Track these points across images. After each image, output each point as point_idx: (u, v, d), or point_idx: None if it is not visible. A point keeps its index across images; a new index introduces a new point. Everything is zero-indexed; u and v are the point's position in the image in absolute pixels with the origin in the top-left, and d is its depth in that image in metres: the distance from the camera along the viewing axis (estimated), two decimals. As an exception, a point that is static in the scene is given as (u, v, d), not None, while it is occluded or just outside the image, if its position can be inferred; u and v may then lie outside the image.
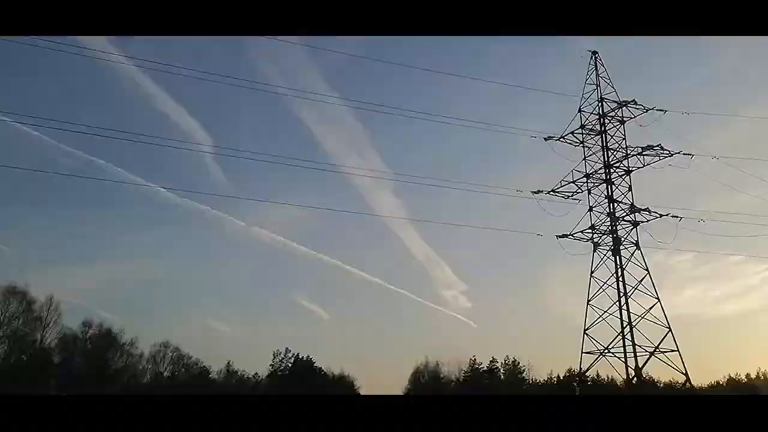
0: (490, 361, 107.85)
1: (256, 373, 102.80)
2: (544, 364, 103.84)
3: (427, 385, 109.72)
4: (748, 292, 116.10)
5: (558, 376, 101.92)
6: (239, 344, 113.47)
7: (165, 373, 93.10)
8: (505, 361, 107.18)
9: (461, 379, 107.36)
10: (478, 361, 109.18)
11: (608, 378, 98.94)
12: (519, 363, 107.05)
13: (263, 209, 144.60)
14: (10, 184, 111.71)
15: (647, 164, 44.48)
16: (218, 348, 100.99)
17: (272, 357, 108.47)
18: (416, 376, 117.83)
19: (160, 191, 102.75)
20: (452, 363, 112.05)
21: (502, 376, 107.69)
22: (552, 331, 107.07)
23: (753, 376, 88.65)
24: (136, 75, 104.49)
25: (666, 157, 43.53)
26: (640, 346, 42.23)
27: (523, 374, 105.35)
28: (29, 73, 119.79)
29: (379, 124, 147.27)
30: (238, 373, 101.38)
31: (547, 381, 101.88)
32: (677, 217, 44.03)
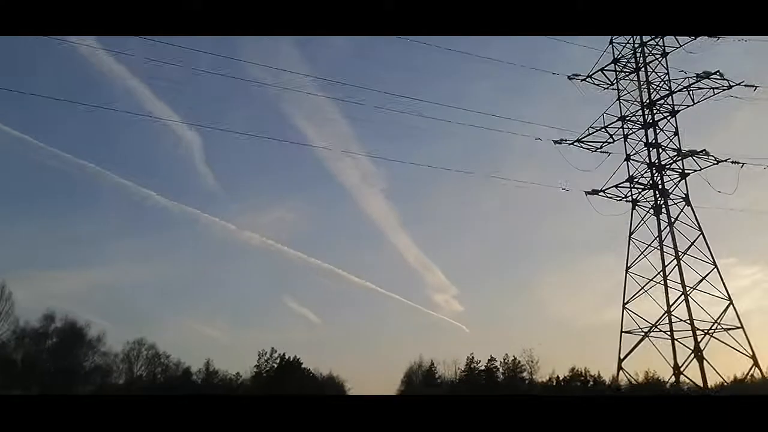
0: (489, 360, 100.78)
1: (238, 373, 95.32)
2: (542, 367, 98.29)
3: (421, 386, 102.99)
4: (739, 294, 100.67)
5: (558, 377, 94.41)
6: (229, 349, 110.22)
7: (140, 373, 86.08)
8: (504, 360, 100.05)
9: (457, 380, 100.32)
10: (476, 359, 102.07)
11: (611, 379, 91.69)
12: (519, 362, 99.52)
13: (254, 212, 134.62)
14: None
15: (698, 101, 35.58)
16: (208, 353, 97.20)
17: (257, 357, 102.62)
18: (409, 378, 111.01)
19: (150, 194, 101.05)
20: (448, 363, 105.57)
21: (501, 376, 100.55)
22: (548, 335, 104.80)
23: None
24: (127, 78, 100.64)
25: (724, 89, 34.50)
26: (696, 324, 33.06)
27: (523, 374, 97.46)
28: (18, 75, 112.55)
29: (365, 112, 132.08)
30: (219, 374, 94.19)
31: (548, 381, 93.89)
32: (739, 162, 35.33)
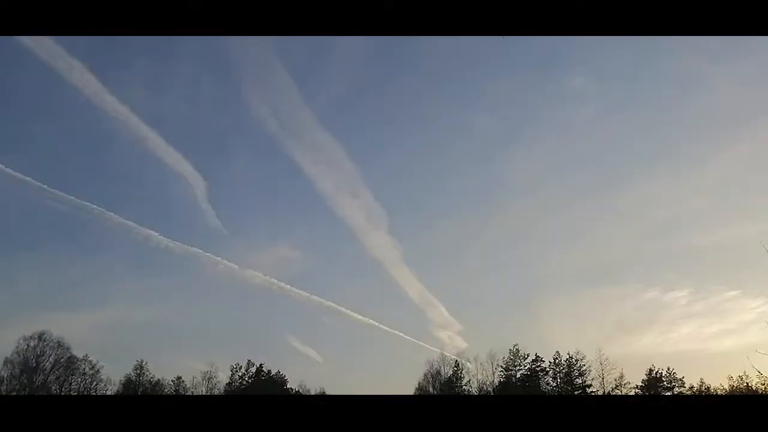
0: (533, 361, 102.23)
1: (179, 377, 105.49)
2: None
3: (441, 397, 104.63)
4: (744, 328, 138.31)
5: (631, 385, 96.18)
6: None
7: (47, 378, 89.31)
8: (554, 360, 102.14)
9: (493, 388, 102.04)
10: (523, 353, 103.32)
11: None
12: (578, 362, 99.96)
13: (257, 251, 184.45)
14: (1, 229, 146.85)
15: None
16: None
17: (230, 372, 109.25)
18: (423, 388, 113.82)
19: (152, 234, 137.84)
20: (482, 359, 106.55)
21: (551, 382, 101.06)
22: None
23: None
24: (130, 118, 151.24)
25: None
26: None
27: (583, 377, 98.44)
28: (22, 118, 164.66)
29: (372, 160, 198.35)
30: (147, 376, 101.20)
31: (618, 387, 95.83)
32: None
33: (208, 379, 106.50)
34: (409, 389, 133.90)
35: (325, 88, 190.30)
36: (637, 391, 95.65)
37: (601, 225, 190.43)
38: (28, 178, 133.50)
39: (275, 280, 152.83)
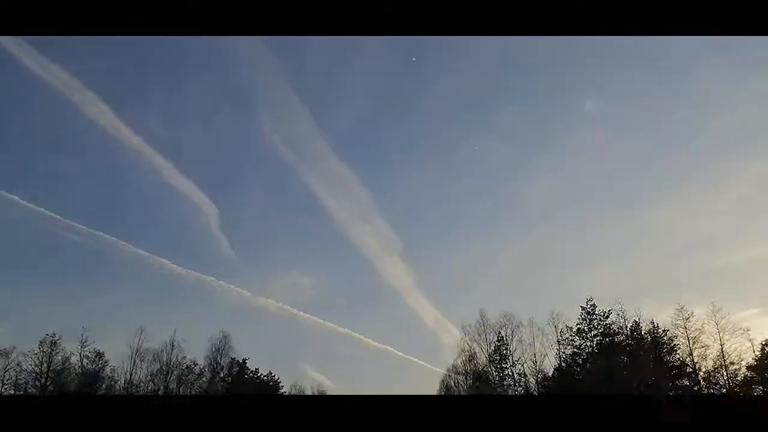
0: (602, 333, 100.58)
1: (100, 353, 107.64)
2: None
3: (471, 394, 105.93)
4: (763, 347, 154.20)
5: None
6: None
7: None
8: (632, 332, 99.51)
9: (560, 363, 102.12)
10: (602, 310, 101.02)
11: None
12: (667, 332, 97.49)
13: (269, 278, 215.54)
14: (11, 259, 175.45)
15: None
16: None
17: (210, 375, 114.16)
18: (451, 372, 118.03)
19: (165, 263, 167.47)
20: (540, 325, 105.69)
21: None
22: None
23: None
24: (144, 148, 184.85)
25: None
26: None
27: (676, 353, 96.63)
28: (35, 150, 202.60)
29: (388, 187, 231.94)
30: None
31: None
32: None
33: (136, 355, 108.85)
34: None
35: (338, 113, 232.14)
36: (746, 373, 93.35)
37: (617, 247, 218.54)
38: (41, 209, 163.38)
39: (288, 307, 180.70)
